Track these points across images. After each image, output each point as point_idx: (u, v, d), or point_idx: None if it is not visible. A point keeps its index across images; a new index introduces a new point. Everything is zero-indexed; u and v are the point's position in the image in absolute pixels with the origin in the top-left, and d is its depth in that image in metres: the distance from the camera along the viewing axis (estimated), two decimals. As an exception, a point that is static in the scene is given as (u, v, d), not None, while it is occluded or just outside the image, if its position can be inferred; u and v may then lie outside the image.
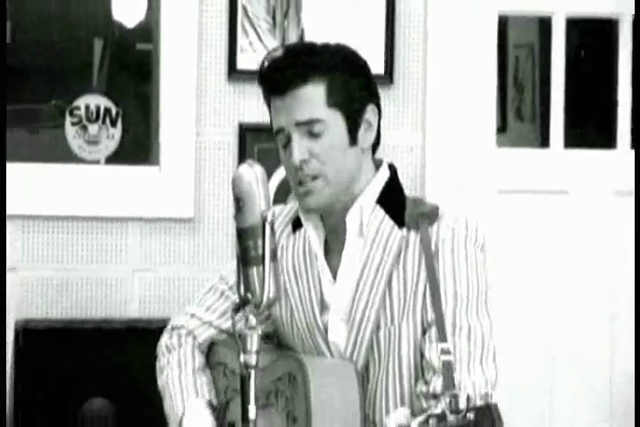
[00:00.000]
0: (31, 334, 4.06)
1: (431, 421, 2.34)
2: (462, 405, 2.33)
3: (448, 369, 2.59)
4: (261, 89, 2.89)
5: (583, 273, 4.61)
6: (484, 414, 2.32)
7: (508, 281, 4.43)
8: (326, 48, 2.90)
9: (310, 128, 2.78)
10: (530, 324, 4.58)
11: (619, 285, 4.61)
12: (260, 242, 2.34)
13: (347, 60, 2.87)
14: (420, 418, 2.35)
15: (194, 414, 2.91)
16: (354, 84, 2.84)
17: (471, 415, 2.32)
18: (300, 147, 2.77)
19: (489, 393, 2.42)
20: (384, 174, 2.88)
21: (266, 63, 2.88)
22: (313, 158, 2.77)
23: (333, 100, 2.79)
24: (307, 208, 2.84)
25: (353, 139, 2.81)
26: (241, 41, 4.35)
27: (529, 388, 4.59)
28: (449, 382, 2.57)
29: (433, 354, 2.67)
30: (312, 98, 2.78)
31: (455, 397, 2.32)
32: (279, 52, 2.91)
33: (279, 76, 2.81)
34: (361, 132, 2.83)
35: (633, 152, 4.64)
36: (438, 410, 2.35)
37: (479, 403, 2.35)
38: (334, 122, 2.78)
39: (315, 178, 2.78)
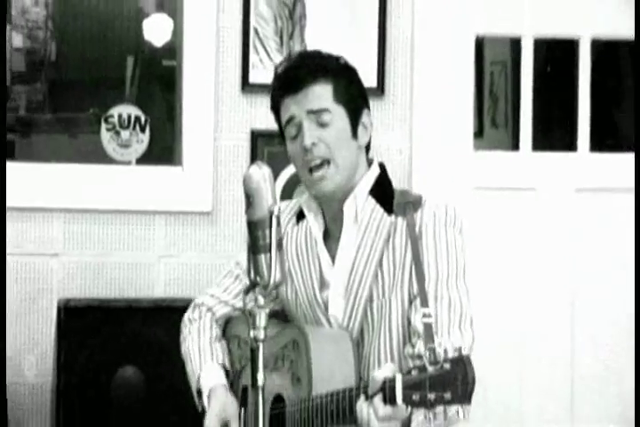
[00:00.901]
0: (71, 311, 4.05)
1: (413, 372, 2.37)
2: (439, 357, 2.36)
3: (428, 330, 2.59)
4: (273, 93, 2.92)
5: (547, 263, 4.60)
6: (458, 364, 2.35)
7: (480, 267, 4.43)
8: (332, 56, 2.94)
9: (319, 117, 2.81)
10: (497, 313, 4.54)
11: (580, 274, 4.59)
12: (267, 233, 2.36)
13: (347, 68, 2.93)
14: (405, 371, 2.40)
15: (209, 373, 2.95)
16: (353, 88, 2.89)
17: (447, 366, 2.35)
18: (311, 133, 2.79)
19: (462, 347, 2.44)
20: (375, 171, 2.92)
21: (282, 67, 2.93)
22: (321, 143, 2.79)
23: (339, 97, 2.82)
24: (321, 193, 2.85)
25: (354, 133, 2.84)
26: (252, 58, 4.36)
27: (497, 383, 4.55)
28: (429, 341, 2.56)
29: (417, 319, 2.69)
30: (321, 93, 2.82)
31: (433, 350, 2.36)
32: (293, 59, 2.97)
33: (294, 75, 2.84)
34: (360, 130, 2.86)
35: (591, 154, 4.66)
36: (419, 362, 2.38)
37: (453, 355, 2.36)
38: (339, 114, 2.82)
39: (325, 163, 2.80)
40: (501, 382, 4.54)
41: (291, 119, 2.84)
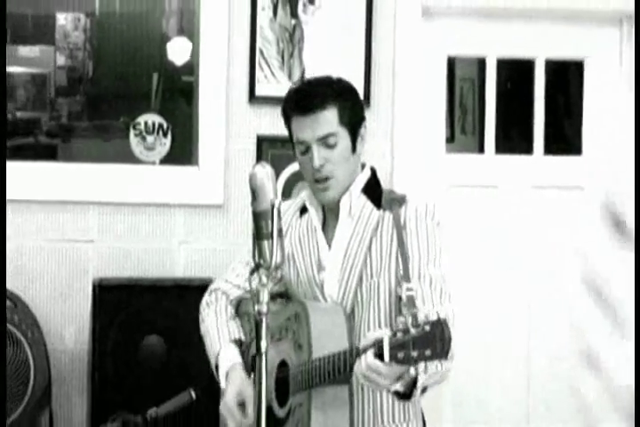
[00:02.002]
0: (104, 289, 4.07)
1: (398, 334, 2.40)
2: (420, 320, 2.41)
3: (410, 300, 2.62)
4: (285, 109, 2.92)
5: (507, 251, 4.59)
6: (437, 326, 2.38)
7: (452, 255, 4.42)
8: (336, 81, 2.95)
9: (326, 140, 2.81)
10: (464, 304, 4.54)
11: (536, 262, 4.57)
12: (269, 222, 2.37)
13: (350, 90, 2.94)
14: (390, 333, 2.43)
15: (227, 353, 2.94)
16: (355, 108, 2.90)
17: (427, 327, 2.38)
18: (319, 155, 2.81)
19: (440, 311, 2.51)
20: (367, 173, 2.94)
21: (293, 89, 2.96)
22: (328, 163, 2.81)
23: (343, 120, 2.83)
24: (324, 200, 2.89)
25: (354, 148, 2.86)
26: (258, 74, 4.34)
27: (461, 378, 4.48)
28: (411, 308, 2.59)
29: (403, 293, 2.70)
30: (329, 118, 2.82)
31: (415, 315, 2.42)
32: (304, 84, 3.01)
33: (306, 102, 2.84)
34: (358, 144, 2.88)
35: (545, 157, 4.65)
36: (403, 326, 2.42)
37: (432, 318, 2.41)
38: (343, 135, 2.83)
39: (329, 178, 2.82)
40: (463, 380, 4.49)
41: (302, 141, 2.85)
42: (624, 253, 0.54)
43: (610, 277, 0.55)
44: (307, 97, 2.86)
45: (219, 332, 3.00)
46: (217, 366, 2.93)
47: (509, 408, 4.60)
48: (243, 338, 2.99)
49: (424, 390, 2.62)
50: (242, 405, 2.84)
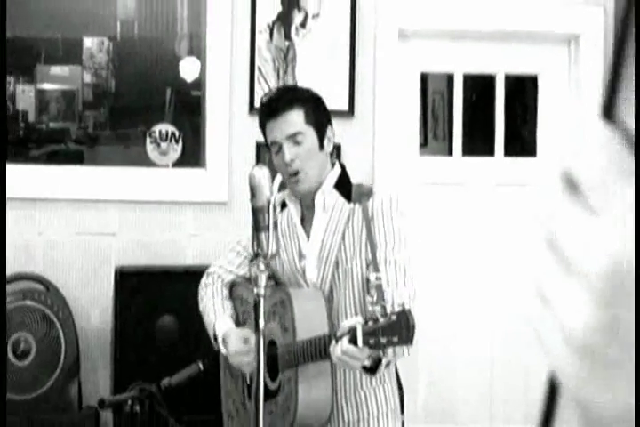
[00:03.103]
0: (124, 275, 4.06)
1: (369, 323, 2.42)
2: (388, 310, 2.43)
3: (379, 290, 2.59)
4: (260, 117, 2.92)
5: (472, 243, 4.56)
6: (402, 316, 2.41)
7: (423, 245, 4.39)
8: (303, 89, 2.98)
9: (294, 138, 2.79)
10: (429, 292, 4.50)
11: (498, 251, 4.54)
12: (266, 216, 2.41)
13: (314, 97, 2.91)
14: (362, 321, 2.44)
15: (222, 323, 2.93)
16: (319, 112, 2.87)
17: (394, 317, 2.41)
18: (290, 151, 2.78)
19: (405, 302, 2.50)
20: (337, 170, 2.90)
21: (264, 98, 2.96)
22: (297, 158, 2.78)
23: (308, 120, 2.81)
24: (297, 192, 2.86)
25: (321, 145, 2.83)
26: (257, 89, 4.32)
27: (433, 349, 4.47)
28: (380, 299, 2.56)
29: (372, 279, 2.66)
30: (295, 118, 2.81)
31: (384, 307, 2.43)
32: (272, 92, 3.00)
33: (275, 105, 2.83)
34: (325, 142, 2.84)
35: (505, 158, 4.63)
36: (373, 314, 2.44)
37: (398, 309, 2.43)
38: (309, 134, 2.80)
39: (300, 172, 2.79)
40: (434, 350, 4.47)
41: (274, 142, 2.83)
42: (581, 211, 0.51)
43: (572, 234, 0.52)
44: (274, 101, 2.85)
45: (215, 308, 2.98)
46: (215, 337, 2.92)
47: (474, 373, 4.55)
48: (234, 316, 2.99)
49: (388, 364, 2.62)
50: (246, 341, 2.83)
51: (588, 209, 0.52)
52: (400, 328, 2.40)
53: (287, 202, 2.92)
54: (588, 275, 0.50)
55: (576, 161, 0.53)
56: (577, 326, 0.50)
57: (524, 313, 0.54)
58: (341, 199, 2.83)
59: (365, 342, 2.40)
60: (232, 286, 3.05)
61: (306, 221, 2.90)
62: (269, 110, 2.84)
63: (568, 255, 0.51)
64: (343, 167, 2.93)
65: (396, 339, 2.39)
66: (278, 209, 2.93)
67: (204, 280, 3.09)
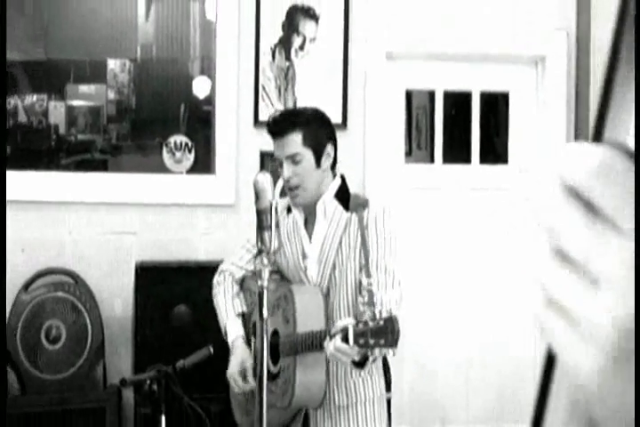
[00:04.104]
0: (144, 269, 4.04)
1: (360, 325, 2.43)
2: (377, 315, 2.44)
3: (370, 296, 2.60)
4: (268, 132, 2.90)
5: (451, 241, 4.54)
6: (389, 321, 2.42)
7: (409, 245, 4.37)
8: (304, 111, 2.92)
9: (293, 158, 2.77)
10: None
11: (474, 250, 4.51)
12: (269, 217, 2.42)
13: (315, 118, 2.86)
14: (354, 323, 2.45)
15: (232, 326, 2.93)
16: (319, 133, 2.82)
17: (382, 322, 2.42)
18: (288, 169, 2.77)
19: (393, 309, 2.53)
20: (338, 181, 2.87)
21: (270, 119, 2.93)
22: (295, 176, 2.77)
23: (306, 142, 2.78)
24: (295, 204, 2.86)
25: (318, 164, 2.79)
26: (261, 104, 4.32)
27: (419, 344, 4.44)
28: (370, 301, 2.58)
29: (364, 284, 2.68)
30: (295, 141, 2.78)
31: (373, 312, 2.45)
32: (277, 114, 2.95)
33: (276, 129, 2.82)
34: (323, 160, 2.80)
35: (481, 165, 4.60)
36: (364, 319, 2.46)
37: (386, 315, 2.44)
38: (307, 154, 2.78)
39: (297, 188, 2.78)
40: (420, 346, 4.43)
41: (277, 158, 2.82)
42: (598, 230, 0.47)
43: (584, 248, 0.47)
44: (277, 124, 2.83)
45: (226, 307, 2.97)
46: (226, 333, 2.94)
47: (453, 371, 4.52)
48: (245, 310, 2.97)
49: (374, 360, 2.64)
50: (244, 373, 2.85)
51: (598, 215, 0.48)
52: (386, 332, 2.41)
53: (292, 208, 2.90)
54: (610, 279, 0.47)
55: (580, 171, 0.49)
56: (607, 325, 0.46)
57: (530, 314, 0.51)
58: (340, 208, 2.81)
59: (356, 342, 2.41)
60: (243, 280, 3.04)
61: (309, 224, 2.88)
62: (273, 132, 2.84)
63: (592, 272, 0.48)
64: (343, 178, 2.90)
65: (382, 341, 2.40)
66: (284, 213, 2.93)
67: (216, 278, 3.07)
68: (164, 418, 2.75)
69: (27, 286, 4.04)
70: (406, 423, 4.41)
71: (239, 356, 2.85)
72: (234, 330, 2.92)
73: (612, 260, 0.46)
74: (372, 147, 4.38)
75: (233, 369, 2.84)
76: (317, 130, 2.82)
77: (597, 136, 0.50)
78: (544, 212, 0.49)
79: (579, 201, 0.48)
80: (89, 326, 4.01)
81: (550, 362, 0.52)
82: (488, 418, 4.46)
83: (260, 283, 2.42)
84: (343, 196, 2.84)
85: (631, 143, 0.48)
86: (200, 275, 3.93)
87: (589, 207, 0.48)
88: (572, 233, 0.48)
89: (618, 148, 0.48)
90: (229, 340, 2.91)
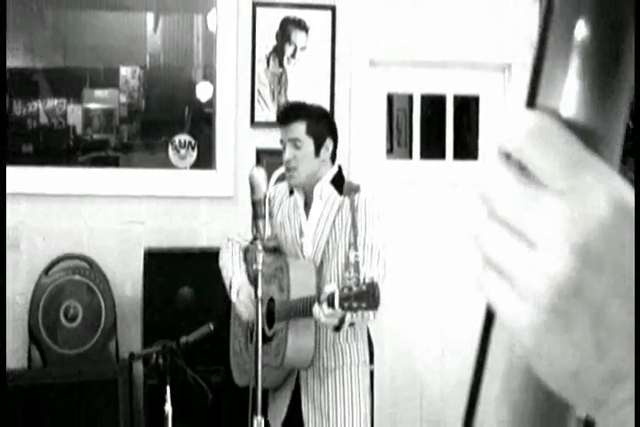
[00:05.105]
0: (152, 255, 4.00)
1: (345, 290, 2.43)
2: (360, 282, 2.43)
3: (356, 265, 2.57)
4: (277, 121, 2.91)
5: (427, 233, 4.50)
6: (371, 286, 2.42)
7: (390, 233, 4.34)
8: (311, 105, 2.94)
9: (295, 143, 2.78)
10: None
11: (449, 239, 4.47)
12: (263, 207, 2.40)
13: (318, 113, 2.89)
14: (339, 289, 2.45)
15: (238, 276, 2.90)
16: (321, 126, 2.84)
17: (364, 287, 2.42)
18: (289, 152, 2.80)
19: (374, 277, 2.50)
20: (335, 169, 2.88)
21: (280, 109, 3.11)
22: (294, 159, 2.78)
23: (309, 132, 2.80)
24: (290, 184, 2.87)
25: (317, 154, 2.80)
26: (256, 106, 4.26)
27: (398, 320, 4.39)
28: (356, 272, 2.55)
29: (352, 257, 2.64)
30: (298, 128, 2.80)
31: (357, 278, 2.44)
32: (287, 105, 3.08)
33: (284, 116, 2.85)
34: (322, 151, 2.81)
35: (454, 161, 4.56)
36: (349, 284, 2.44)
37: (368, 281, 2.44)
38: (307, 142, 2.79)
39: (294, 170, 2.79)
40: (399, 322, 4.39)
41: (282, 140, 2.83)
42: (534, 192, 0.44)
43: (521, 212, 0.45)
44: (285, 113, 2.86)
45: (232, 265, 2.95)
46: (230, 286, 2.89)
47: (428, 340, 4.48)
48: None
49: (351, 324, 2.62)
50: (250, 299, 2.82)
51: (532, 180, 0.46)
52: (369, 296, 2.40)
53: (294, 190, 2.90)
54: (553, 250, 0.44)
55: (519, 142, 0.47)
56: (541, 283, 0.44)
57: (477, 283, 0.48)
58: (335, 192, 2.82)
59: (341, 305, 2.41)
60: (246, 251, 3.01)
61: (307, 205, 2.89)
62: (281, 119, 2.86)
63: (526, 233, 0.45)
64: (340, 167, 2.92)
65: (364, 304, 2.40)
66: (287, 194, 2.94)
67: (224, 243, 3.07)
68: (168, 388, 2.73)
69: (47, 271, 4.02)
70: (387, 391, 4.37)
71: (246, 291, 2.82)
72: (239, 280, 2.88)
73: (544, 220, 0.44)
74: (357, 144, 4.34)
75: (244, 297, 2.80)
76: (320, 123, 2.83)
77: (531, 103, 0.48)
78: (482, 178, 0.47)
79: (514, 165, 0.46)
80: (103, 306, 3.98)
81: (489, 320, 0.50)
82: (462, 386, 4.44)
83: (255, 266, 2.39)
84: (338, 182, 2.84)
85: (562, 109, 0.47)
86: (202, 260, 3.92)
87: (525, 171, 0.46)
88: (504, 195, 0.46)
89: (550, 114, 0.47)
90: (234, 289, 2.86)
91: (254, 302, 2.73)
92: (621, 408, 0.44)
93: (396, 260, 4.33)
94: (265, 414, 2.52)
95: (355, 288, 2.41)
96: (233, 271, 2.92)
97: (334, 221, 2.78)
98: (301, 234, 2.85)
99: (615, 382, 0.44)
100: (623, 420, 0.44)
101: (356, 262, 2.58)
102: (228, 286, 2.92)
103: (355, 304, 2.40)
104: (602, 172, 0.44)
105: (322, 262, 2.79)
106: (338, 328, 2.59)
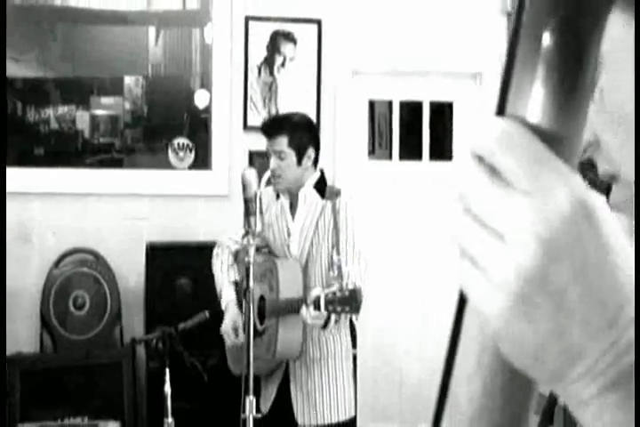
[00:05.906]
0: (154, 249, 3.97)
1: (330, 295, 2.42)
2: (343, 287, 2.43)
3: (339, 270, 2.57)
4: (262, 133, 2.88)
5: (405, 222, 4.48)
6: (353, 293, 2.42)
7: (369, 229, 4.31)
8: (291, 117, 2.88)
9: (279, 154, 2.75)
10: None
11: (424, 230, 4.45)
12: (254, 205, 2.39)
13: (301, 124, 2.84)
14: (324, 293, 2.44)
15: (227, 290, 2.88)
16: (303, 138, 2.80)
17: (347, 293, 2.41)
18: (274, 162, 2.76)
19: (357, 281, 2.52)
20: (317, 174, 2.85)
21: (263, 122, 2.97)
22: (278, 168, 2.75)
23: (291, 144, 2.76)
24: (276, 189, 2.83)
25: (299, 163, 2.77)
26: (249, 112, 4.25)
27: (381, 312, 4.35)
28: (340, 274, 2.56)
29: (335, 260, 2.64)
30: (281, 142, 2.76)
31: (341, 284, 2.43)
32: (269, 119, 3.03)
33: (268, 131, 2.81)
34: (304, 160, 2.78)
35: (430, 162, 4.54)
36: (333, 289, 2.44)
37: (351, 287, 2.43)
38: (290, 154, 2.76)
39: (279, 177, 2.76)
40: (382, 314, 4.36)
41: (268, 151, 2.81)
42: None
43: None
44: (268, 127, 2.82)
45: (222, 276, 2.91)
46: (220, 297, 2.88)
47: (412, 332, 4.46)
48: (238, 278, 2.90)
49: (336, 322, 2.62)
50: (235, 330, 2.80)
51: (500, 179, 0.47)
52: (351, 301, 2.40)
53: (280, 195, 2.87)
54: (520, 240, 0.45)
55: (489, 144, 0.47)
56: (510, 272, 0.45)
57: (452, 271, 0.49)
58: (318, 196, 2.79)
59: (326, 308, 2.42)
60: (237, 253, 2.98)
61: (293, 208, 2.86)
62: (265, 132, 2.82)
63: (496, 228, 0.46)
64: (322, 172, 2.89)
65: (347, 308, 2.41)
66: (274, 198, 2.90)
67: (215, 250, 3.03)
68: (168, 370, 2.72)
69: (57, 263, 4.00)
70: (369, 375, 4.35)
71: (231, 315, 2.81)
72: (227, 294, 2.88)
73: (512, 216, 0.45)
74: (341, 147, 4.32)
75: (226, 326, 2.81)
76: (302, 135, 2.79)
77: (500, 111, 0.49)
78: (457, 177, 0.48)
79: (485, 167, 0.47)
80: (108, 296, 3.96)
81: (462, 305, 0.50)
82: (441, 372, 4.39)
83: (247, 259, 2.37)
84: (321, 186, 2.81)
85: (528, 116, 0.47)
86: (200, 253, 3.87)
87: (494, 172, 0.47)
88: (476, 194, 0.47)
89: (517, 120, 0.47)
90: (223, 303, 2.86)
91: (234, 326, 2.78)
92: (578, 381, 0.46)
93: (378, 253, 4.33)
94: (257, 396, 2.51)
95: (339, 293, 2.42)
96: (222, 282, 2.90)
97: (317, 224, 2.76)
98: (289, 235, 2.82)
99: (572, 359, 0.45)
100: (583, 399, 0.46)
101: (339, 266, 2.59)
102: (218, 294, 2.90)
103: (339, 308, 2.41)
104: (563, 172, 0.45)
105: (307, 262, 2.77)
106: (325, 327, 2.58)
